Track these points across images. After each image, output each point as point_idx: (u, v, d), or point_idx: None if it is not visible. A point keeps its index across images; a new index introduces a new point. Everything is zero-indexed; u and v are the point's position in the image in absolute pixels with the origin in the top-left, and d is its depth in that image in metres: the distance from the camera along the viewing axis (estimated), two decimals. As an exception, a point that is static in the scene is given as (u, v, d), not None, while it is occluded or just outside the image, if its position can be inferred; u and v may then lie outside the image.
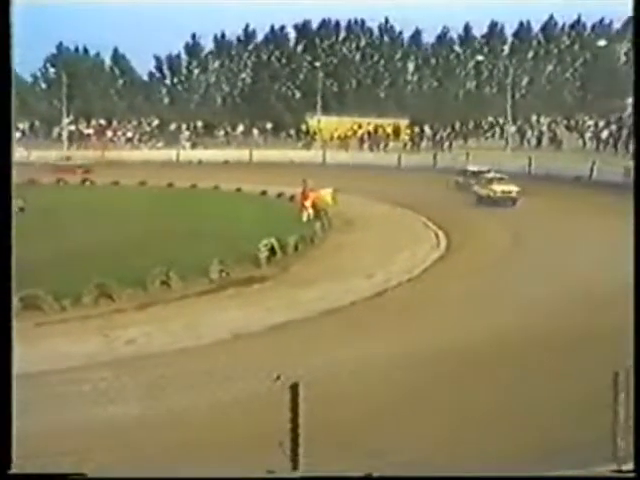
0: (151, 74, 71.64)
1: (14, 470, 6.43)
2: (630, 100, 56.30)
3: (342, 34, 70.26)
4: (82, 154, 54.26)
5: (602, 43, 60.66)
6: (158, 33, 79.32)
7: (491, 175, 35.56)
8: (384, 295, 19.65)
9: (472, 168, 38.63)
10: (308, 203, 30.41)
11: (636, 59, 7.43)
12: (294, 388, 6.91)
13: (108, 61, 71.17)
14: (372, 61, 70.31)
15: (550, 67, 69.24)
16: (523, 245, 25.06)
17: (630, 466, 7.38)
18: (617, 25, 67.28)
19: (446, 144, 54.58)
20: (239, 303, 18.69)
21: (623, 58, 68.03)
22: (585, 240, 24.70)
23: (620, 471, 6.90)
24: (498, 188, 33.79)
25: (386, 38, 70.24)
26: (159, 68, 71.42)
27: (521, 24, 68.09)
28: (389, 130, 58.84)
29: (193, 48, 70.80)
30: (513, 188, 33.61)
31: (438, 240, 26.52)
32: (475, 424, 10.31)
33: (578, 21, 68.14)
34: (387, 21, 69.27)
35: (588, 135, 51.42)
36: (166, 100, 71.50)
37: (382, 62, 70.16)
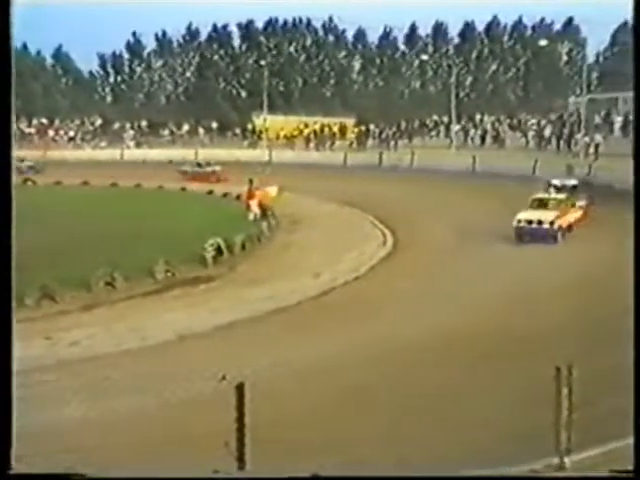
0: (94, 72, 70.82)
1: (14, 470, 6.39)
2: (571, 99, 57.40)
3: (287, 33, 70.29)
4: (24, 154, 53.16)
5: (543, 43, 61.64)
6: (101, 31, 78.40)
7: (541, 195, 26.90)
8: (330, 294, 19.71)
9: (555, 182, 29.15)
10: (254, 202, 30.34)
11: (636, 58, 7.48)
12: (240, 388, 6.89)
13: (50, 59, 70.18)
14: (318, 60, 70.45)
15: (493, 67, 70.15)
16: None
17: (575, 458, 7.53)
18: (557, 26, 68.70)
19: (392, 143, 54.88)
20: (185, 304, 18.56)
21: (564, 57, 69.30)
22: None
23: (620, 471, 7.00)
24: (522, 216, 25.34)
25: (331, 37, 70.48)
26: (102, 66, 70.63)
27: (466, 24, 68.88)
28: (335, 129, 58.95)
29: (135, 46, 70.16)
30: (547, 216, 25.17)
31: (385, 239, 26.67)
32: (419, 423, 10.37)
33: (520, 21, 69.19)
34: (331, 20, 69.60)
35: (531, 134, 52.13)
36: (109, 99, 70.74)
37: (327, 61, 70.35)
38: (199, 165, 45.23)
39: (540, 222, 24.98)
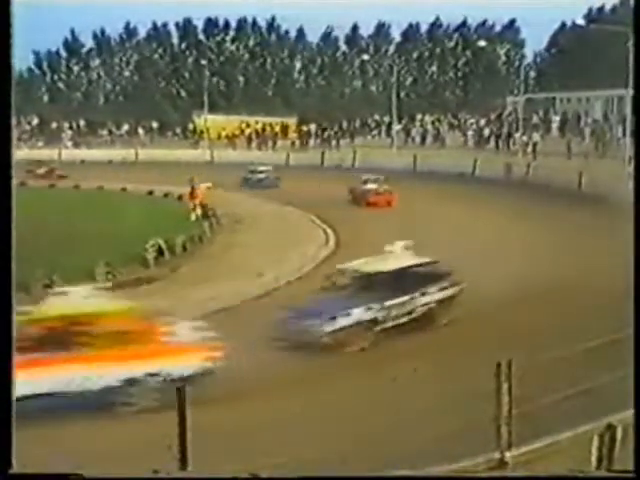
0: (30, 71, 69.49)
1: (14, 470, 6.43)
2: (510, 99, 58.24)
3: (229, 32, 69.93)
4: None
5: (482, 44, 62.47)
6: (37, 28, 76.91)
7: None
8: (274, 294, 19.66)
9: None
10: (196, 202, 30.17)
11: (636, 57, 7.56)
12: (180, 390, 6.84)
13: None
14: (259, 60, 70.24)
15: (434, 67, 70.75)
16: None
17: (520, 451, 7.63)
18: (498, 27, 69.60)
19: (334, 142, 55.01)
20: (126, 305, 18.30)
21: (503, 58, 70.27)
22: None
23: (620, 471, 7.09)
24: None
25: (273, 37, 70.34)
26: (38, 65, 69.37)
27: (410, 25, 69.30)
28: (277, 129, 58.94)
29: (73, 44, 69.08)
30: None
31: (327, 237, 26.69)
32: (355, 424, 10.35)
33: (464, 24, 69.74)
34: (274, 19, 69.47)
35: (470, 133, 52.74)
36: (46, 98, 69.51)
37: (269, 60, 70.21)
38: (365, 182, 33.84)
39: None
